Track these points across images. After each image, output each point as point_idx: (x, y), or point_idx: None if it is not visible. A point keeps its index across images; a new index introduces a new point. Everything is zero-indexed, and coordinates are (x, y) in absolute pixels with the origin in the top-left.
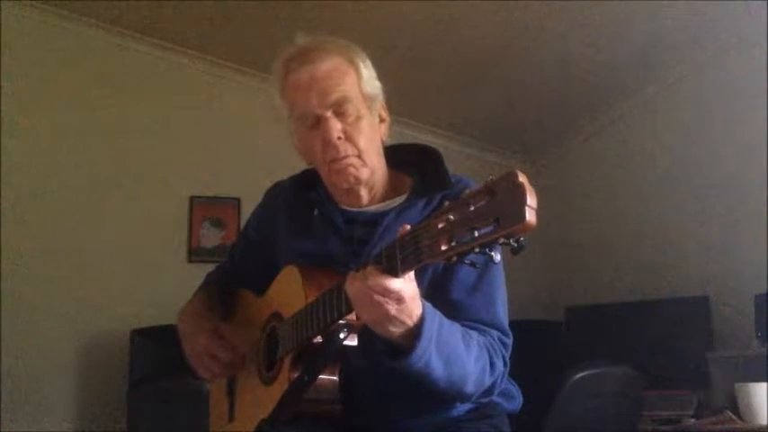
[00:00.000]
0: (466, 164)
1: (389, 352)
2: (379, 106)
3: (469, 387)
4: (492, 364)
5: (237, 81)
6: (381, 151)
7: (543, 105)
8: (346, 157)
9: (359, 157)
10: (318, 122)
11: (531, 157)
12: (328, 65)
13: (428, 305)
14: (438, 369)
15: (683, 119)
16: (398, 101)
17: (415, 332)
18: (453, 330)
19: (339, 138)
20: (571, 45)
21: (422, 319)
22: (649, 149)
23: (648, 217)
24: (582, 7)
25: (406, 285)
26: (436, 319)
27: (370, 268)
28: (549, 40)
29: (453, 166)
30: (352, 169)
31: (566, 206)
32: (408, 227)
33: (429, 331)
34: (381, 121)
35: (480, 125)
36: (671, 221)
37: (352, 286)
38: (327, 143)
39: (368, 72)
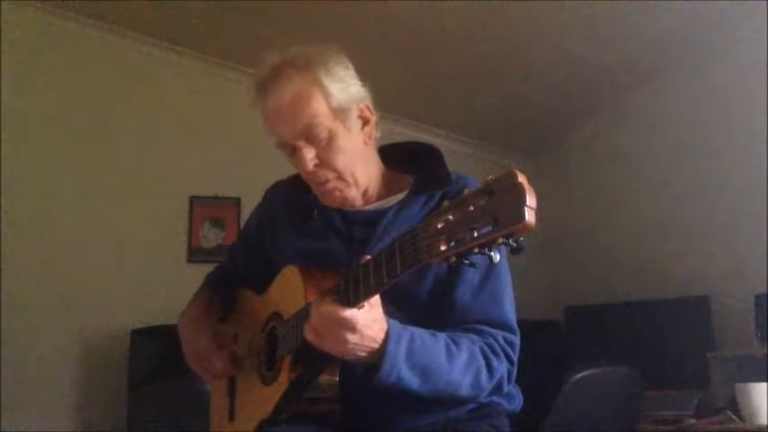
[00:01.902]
0: (466, 164)
1: (364, 370)
2: (359, 109)
3: (464, 392)
4: (490, 368)
5: (237, 81)
6: (369, 154)
7: (543, 105)
8: (327, 181)
9: (339, 178)
10: (294, 150)
11: (531, 157)
12: (289, 94)
13: (394, 325)
14: (414, 383)
15: (683, 119)
16: (399, 101)
17: (381, 351)
18: (431, 344)
19: (315, 165)
20: (571, 45)
21: (385, 341)
22: (649, 149)
23: (648, 217)
24: (581, 7)
25: (359, 314)
26: (405, 336)
27: (325, 300)
28: (549, 40)
29: (453, 166)
30: (336, 192)
31: (565, 206)
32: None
33: (393, 351)
34: (365, 123)
35: (480, 125)
36: (671, 221)
37: (310, 320)
38: (305, 172)
39: (336, 85)
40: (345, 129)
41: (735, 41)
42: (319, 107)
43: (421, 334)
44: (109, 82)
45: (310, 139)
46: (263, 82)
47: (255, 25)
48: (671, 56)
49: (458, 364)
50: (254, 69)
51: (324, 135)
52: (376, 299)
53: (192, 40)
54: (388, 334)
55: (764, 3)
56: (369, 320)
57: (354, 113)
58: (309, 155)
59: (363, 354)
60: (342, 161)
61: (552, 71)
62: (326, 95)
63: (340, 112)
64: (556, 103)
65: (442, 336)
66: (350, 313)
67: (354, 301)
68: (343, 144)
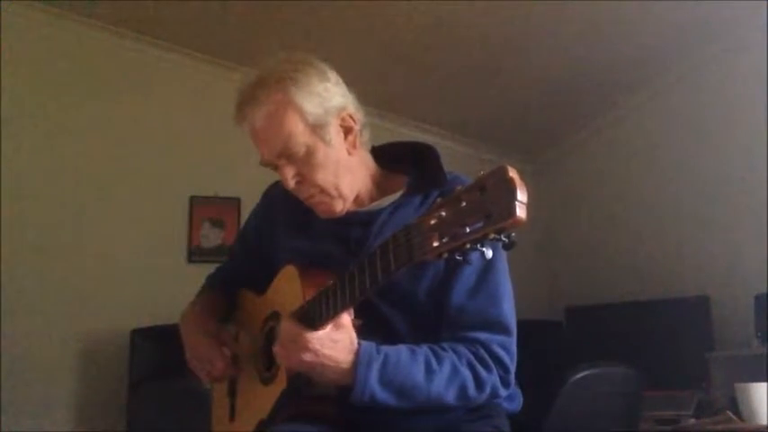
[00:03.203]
0: (466, 164)
1: (340, 391)
2: (340, 119)
3: (450, 402)
4: (478, 379)
5: (237, 81)
6: (356, 162)
7: (543, 105)
8: (312, 196)
9: (323, 192)
10: (277, 168)
11: (531, 157)
12: (262, 116)
13: (366, 347)
14: (390, 401)
15: (683, 119)
16: (399, 101)
17: (351, 374)
18: (408, 363)
19: (298, 182)
20: (571, 45)
21: (355, 363)
22: (649, 149)
23: (648, 217)
24: (581, 8)
25: (315, 335)
26: (377, 358)
27: (286, 318)
28: (548, 41)
29: (453, 166)
30: (322, 206)
31: (565, 206)
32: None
33: (363, 374)
34: (348, 132)
35: (480, 125)
36: (671, 221)
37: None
38: (289, 189)
39: (311, 100)
40: (324, 143)
41: (735, 42)
42: (294, 126)
43: (397, 353)
44: (109, 82)
45: (289, 157)
46: (239, 106)
47: (255, 25)
48: (670, 56)
49: (439, 379)
50: (243, 81)
51: (302, 152)
52: (344, 320)
53: (192, 40)
54: (357, 355)
55: (764, 3)
56: (326, 341)
57: (334, 125)
58: (290, 173)
59: (330, 374)
60: (322, 176)
61: (552, 71)
62: (301, 113)
63: (317, 127)
64: (555, 103)
65: (422, 351)
66: (308, 334)
67: (344, 302)
68: (322, 159)
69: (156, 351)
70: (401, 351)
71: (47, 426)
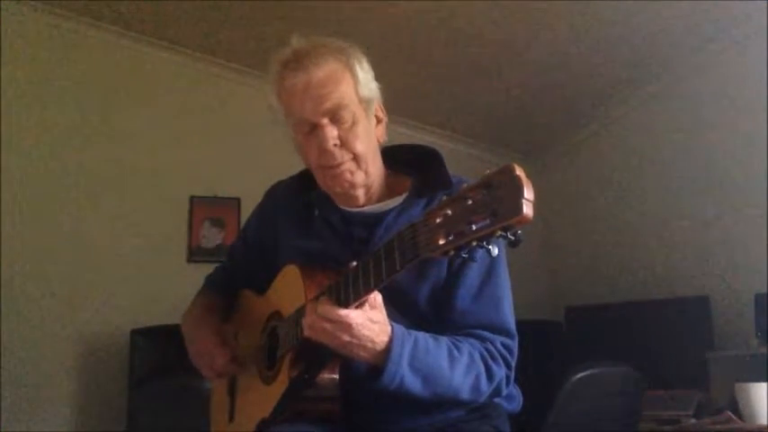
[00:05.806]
0: (466, 164)
1: (367, 373)
2: (376, 108)
3: (463, 396)
4: (489, 372)
5: (237, 81)
6: (378, 152)
7: (543, 105)
8: (342, 163)
9: (354, 160)
10: (314, 129)
11: (531, 157)
12: (323, 71)
13: (399, 329)
14: (416, 387)
15: (683, 119)
16: (398, 101)
17: (384, 357)
18: (434, 349)
19: (335, 144)
20: (571, 45)
21: (389, 345)
22: (649, 149)
23: (648, 217)
24: (582, 7)
25: (353, 314)
26: (409, 341)
27: (321, 299)
28: (549, 40)
29: (453, 166)
30: (347, 174)
31: (566, 206)
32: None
33: (396, 356)
34: (378, 122)
35: (480, 125)
36: (671, 221)
37: (306, 319)
38: (323, 151)
39: (364, 75)
40: (367, 119)
41: (735, 42)
42: (349, 90)
43: (425, 338)
44: (108, 82)
45: (335, 119)
46: (297, 57)
47: (255, 25)
48: (671, 56)
49: (459, 369)
50: (278, 52)
51: (348, 118)
52: (378, 301)
53: (192, 40)
54: (392, 338)
55: (764, 3)
56: (365, 320)
57: (374, 109)
58: (332, 133)
59: (364, 354)
60: (360, 146)
61: (552, 71)
62: (356, 82)
63: (364, 102)
64: (556, 103)
65: (444, 340)
66: (344, 312)
67: (348, 299)
68: (363, 131)
69: (156, 351)
70: (427, 337)
71: (47, 426)
